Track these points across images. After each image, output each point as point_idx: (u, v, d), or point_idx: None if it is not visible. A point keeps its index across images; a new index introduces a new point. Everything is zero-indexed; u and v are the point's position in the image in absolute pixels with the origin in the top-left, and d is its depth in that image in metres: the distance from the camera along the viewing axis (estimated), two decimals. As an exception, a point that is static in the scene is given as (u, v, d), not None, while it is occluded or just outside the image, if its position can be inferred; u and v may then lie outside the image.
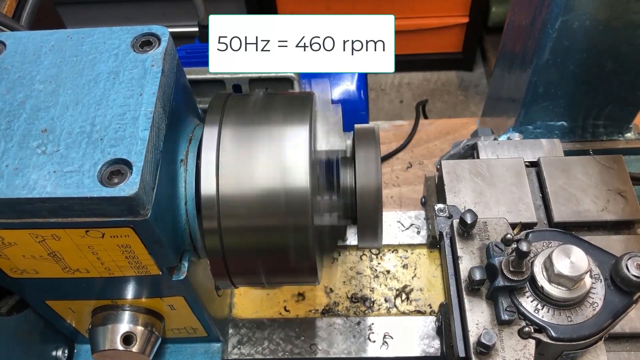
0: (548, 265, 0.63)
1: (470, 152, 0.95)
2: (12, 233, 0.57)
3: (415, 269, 0.99)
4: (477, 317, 0.66)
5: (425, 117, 1.71)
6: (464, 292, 0.68)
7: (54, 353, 0.86)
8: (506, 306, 0.64)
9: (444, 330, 0.83)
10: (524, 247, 0.61)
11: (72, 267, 0.63)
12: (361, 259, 1.01)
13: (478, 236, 0.71)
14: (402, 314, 0.95)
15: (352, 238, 0.74)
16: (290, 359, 0.91)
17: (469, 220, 0.69)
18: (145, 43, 0.62)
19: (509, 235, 0.67)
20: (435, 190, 0.95)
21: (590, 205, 0.80)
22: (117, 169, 0.53)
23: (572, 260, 0.62)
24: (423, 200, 1.01)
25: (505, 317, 0.64)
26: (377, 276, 0.99)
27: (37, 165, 0.54)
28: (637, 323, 0.72)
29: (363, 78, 1.03)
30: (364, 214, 0.68)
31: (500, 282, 0.64)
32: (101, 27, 0.64)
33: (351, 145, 0.71)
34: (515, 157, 0.88)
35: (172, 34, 0.63)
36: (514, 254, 0.63)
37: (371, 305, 0.96)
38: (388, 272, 0.99)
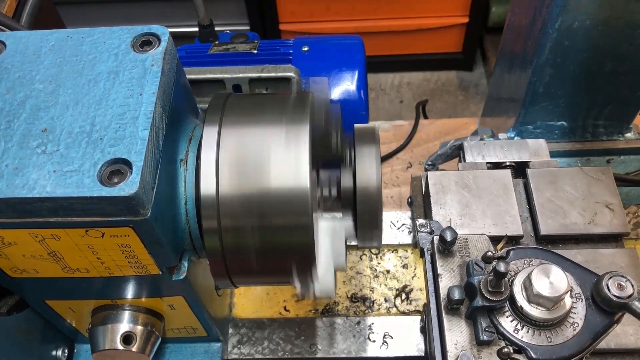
0: (527, 285, 0.62)
1: (457, 152, 0.94)
2: (12, 233, 0.57)
3: (415, 269, 0.99)
4: (456, 337, 0.65)
5: (425, 117, 1.72)
6: (443, 311, 0.67)
7: (54, 353, 0.87)
8: (485, 326, 0.63)
9: (427, 330, 0.83)
10: (501, 268, 0.59)
11: (72, 267, 0.63)
12: (361, 259, 1.01)
13: (459, 253, 0.70)
14: (402, 313, 0.95)
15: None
16: (290, 359, 0.91)
17: (448, 237, 0.68)
18: (145, 43, 0.62)
19: (489, 253, 0.66)
20: (421, 191, 0.94)
21: (578, 218, 0.78)
22: (117, 168, 0.53)
23: (551, 280, 0.60)
24: (410, 200, 1.01)
25: (484, 337, 0.63)
26: (377, 276, 0.99)
27: (37, 165, 0.54)
28: (623, 339, 0.70)
29: (363, 78, 1.02)
30: (364, 214, 0.68)
31: (479, 302, 0.62)
32: (101, 27, 0.64)
33: (351, 145, 0.70)
34: (501, 157, 0.87)
35: (172, 34, 0.63)
36: (492, 273, 0.62)
37: (371, 305, 0.96)
38: (388, 272, 0.99)
